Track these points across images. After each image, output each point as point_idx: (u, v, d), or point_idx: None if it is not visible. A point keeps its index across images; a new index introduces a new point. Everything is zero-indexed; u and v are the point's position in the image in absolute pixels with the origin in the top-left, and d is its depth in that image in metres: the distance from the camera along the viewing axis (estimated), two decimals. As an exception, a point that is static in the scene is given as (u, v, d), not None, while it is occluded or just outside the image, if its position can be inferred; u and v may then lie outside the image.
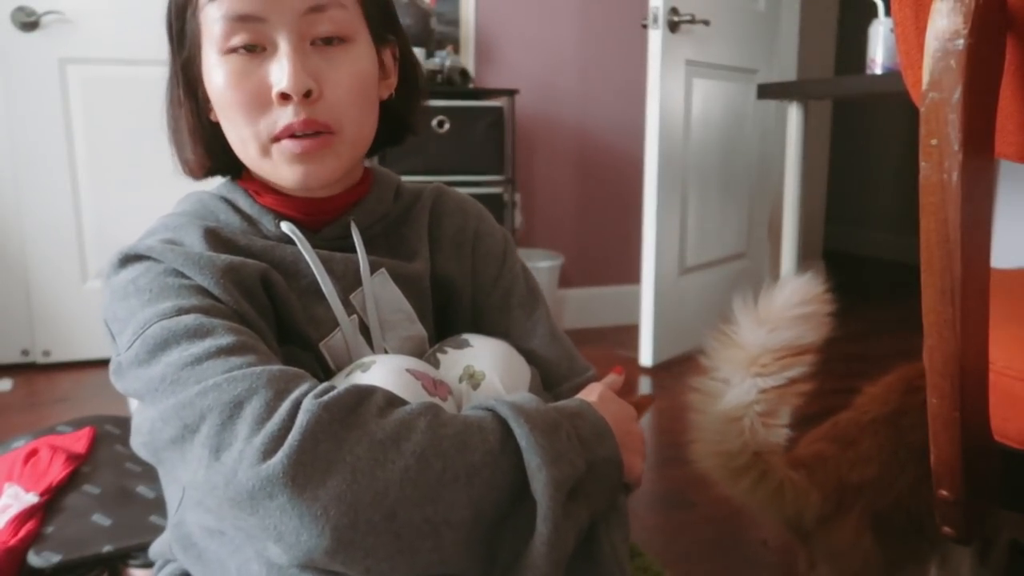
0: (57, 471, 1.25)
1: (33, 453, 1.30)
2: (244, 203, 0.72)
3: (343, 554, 0.51)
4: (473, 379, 0.70)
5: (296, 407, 0.54)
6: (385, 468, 0.52)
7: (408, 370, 0.65)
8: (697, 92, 2.49)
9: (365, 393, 0.56)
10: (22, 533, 1.10)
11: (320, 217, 0.74)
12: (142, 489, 1.26)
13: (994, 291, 0.67)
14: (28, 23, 2.24)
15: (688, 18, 2.30)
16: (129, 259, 0.65)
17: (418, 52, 2.31)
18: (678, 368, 2.44)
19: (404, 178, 0.87)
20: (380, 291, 0.74)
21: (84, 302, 2.39)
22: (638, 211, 2.84)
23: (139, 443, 0.60)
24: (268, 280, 0.67)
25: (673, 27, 2.29)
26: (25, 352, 2.40)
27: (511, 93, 2.43)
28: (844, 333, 3.11)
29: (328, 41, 0.67)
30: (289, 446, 0.51)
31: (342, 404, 0.54)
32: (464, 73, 2.46)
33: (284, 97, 0.65)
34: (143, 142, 2.36)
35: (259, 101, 0.66)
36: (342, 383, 0.61)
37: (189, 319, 0.59)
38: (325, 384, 0.57)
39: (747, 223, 2.89)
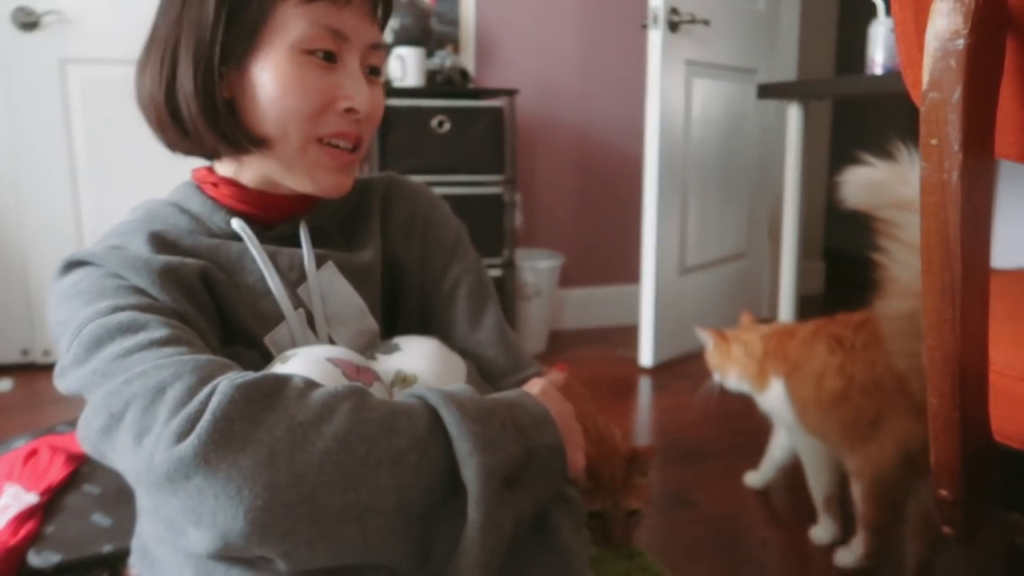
0: (57, 471, 1.25)
1: (33, 453, 1.30)
2: (195, 202, 0.75)
3: (259, 536, 0.50)
4: (406, 383, 0.70)
5: (214, 390, 0.54)
6: (304, 450, 0.51)
7: (329, 359, 0.64)
8: (697, 92, 2.49)
9: (282, 378, 0.56)
10: (22, 533, 1.10)
11: (275, 213, 0.76)
12: (142, 489, 1.26)
13: (994, 291, 0.67)
14: (28, 23, 2.24)
15: (688, 18, 2.30)
16: (72, 265, 0.67)
17: (418, 52, 2.31)
18: (678, 368, 2.44)
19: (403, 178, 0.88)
20: (328, 285, 0.75)
21: (84, 302, 2.39)
22: (638, 211, 2.84)
23: (80, 438, 0.61)
24: (209, 278, 0.68)
25: (673, 27, 2.29)
26: (25, 352, 2.40)
27: (511, 93, 2.43)
28: (844, 333, 3.03)
29: (373, 70, 0.75)
30: (201, 427, 0.51)
31: (260, 387, 0.54)
32: (464, 73, 2.46)
33: (350, 111, 0.71)
34: (143, 142, 2.35)
35: (323, 105, 0.70)
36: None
37: (123, 316, 0.60)
38: (268, 373, 0.57)
39: (747, 223, 2.89)
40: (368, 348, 0.76)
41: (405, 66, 2.30)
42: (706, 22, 2.36)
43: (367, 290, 0.78)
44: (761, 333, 1.43)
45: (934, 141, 0.59)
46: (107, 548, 1.09)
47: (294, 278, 0.74)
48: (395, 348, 0.74)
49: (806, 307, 3.28)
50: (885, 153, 0.97)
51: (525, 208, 2.87)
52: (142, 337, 0.59)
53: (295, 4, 0.68)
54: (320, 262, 0.75)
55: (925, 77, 0.58)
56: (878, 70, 1.90)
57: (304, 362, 0.63)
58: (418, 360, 0.71)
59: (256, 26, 0.69)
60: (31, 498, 1.18)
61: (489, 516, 0.55)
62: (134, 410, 0.54)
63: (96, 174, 2.36)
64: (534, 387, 0.71)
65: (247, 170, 0.75)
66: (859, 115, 4.49)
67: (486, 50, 2.75)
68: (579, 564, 0.64)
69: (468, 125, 2.31)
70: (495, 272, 2.41)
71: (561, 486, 0.66)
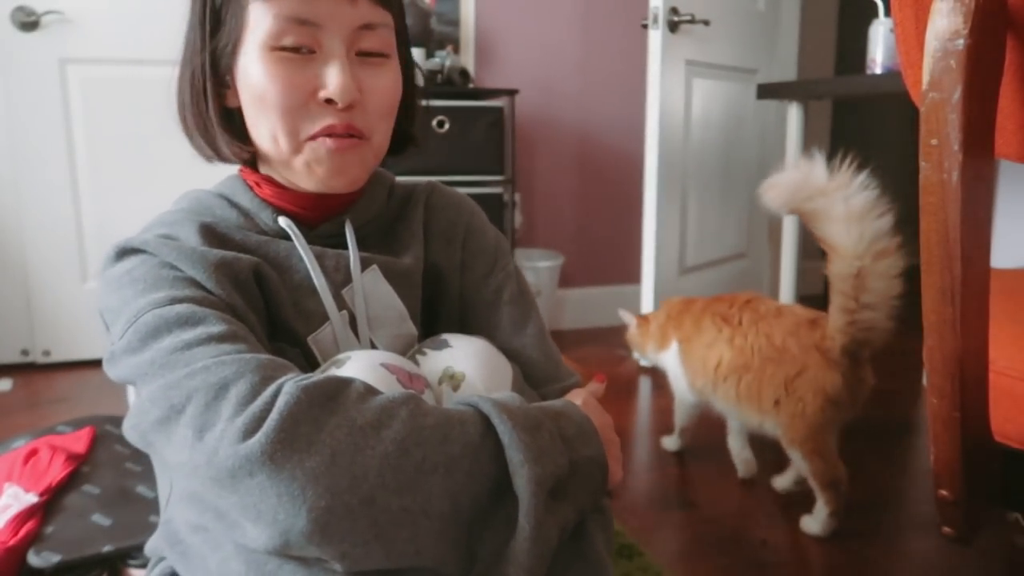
0: (57, 471, 1.25)
1: (33, 453, 1.30)
2: (243, 197, 0.74)
3: (319, 536, 0.51)
4: (453, 380, 0.70)
5: (279, 390, 0.54)
6: (364, 453, 0.52)
7: (383, 364, 0.65)
8: (697, 92, 2.48)
9: (344, 382, 0.57)
10: (22, 533, 1.10)
11: (318, 213, 0.75)
12: (142, 489, 1.26)
13: (994, 291, 0.67)
14: (28, 23, 2.24)
15: (688, 18, 2.30)
16: (125, 252, 0.67)
17: (418, 52, 2.31)
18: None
19: (404, 178, 0.87)
20: (371, 288, 0.75)
21: (84, 302, 2.39)
22: (638, 211, 2.84)
23: (129, 426, 0.61)
24: (260, 274, 0.68)
25: (673, 27, 2.29)
26: (25, 352, 2.40)
27: (511, 93, 2.43)
28: (844, 333, 3.01)
29: (370, 54, 0.70)
30: (268, 425, 0.52)
31: (322, 389, 0.54)
32: (464, 73, 2.46)
33: (330, 102, 0.68)
34: (143, 142, 2.36)
35: (302, 100, 0.68)
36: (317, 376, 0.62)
37: (182, 308, 0.60)
38: (331, 375, 0.58)
39: (747, 223, 2.89)
40: (407, 351, 0.75)
41: (405, 66, 2.30)
42: (706, 22, 2.36)
43: (408, 295, 0.78)
44: (668, 303, 1.66)
45: (934, 141, 0.59)
46: (107, 548, 1.09)
47: (339, 280, 0.74)
48: (444, 345, 0.73)
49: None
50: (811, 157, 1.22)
51: (525, 208, 2.87)
52: (200, 331, 0.59)
53: (261, 1, 0.67)
54: (365, 265, 0.75)
55: (925, 77, 0.58)
56: (878, 70, 1.90)
57: (360, 367, 0.64)
58: (467, 358, 0.71)
59: (236, 33, 0.69)
60: (31, 498, 1.18)
61: (538, 525, 0.56)
62: (196, 404, 0.55)
63: (96, 174, 2.36)
64: (576, 397, 0.71)
65: (274, 172, 0.75)
66: (859, 115, 4.49)
67: (486, 50, 2.75)
68: (609, 574, 0.65)
69: (468, 125, 2.31)
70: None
71: (600, 498, 0.66)
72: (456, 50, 2.66)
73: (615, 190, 2.98)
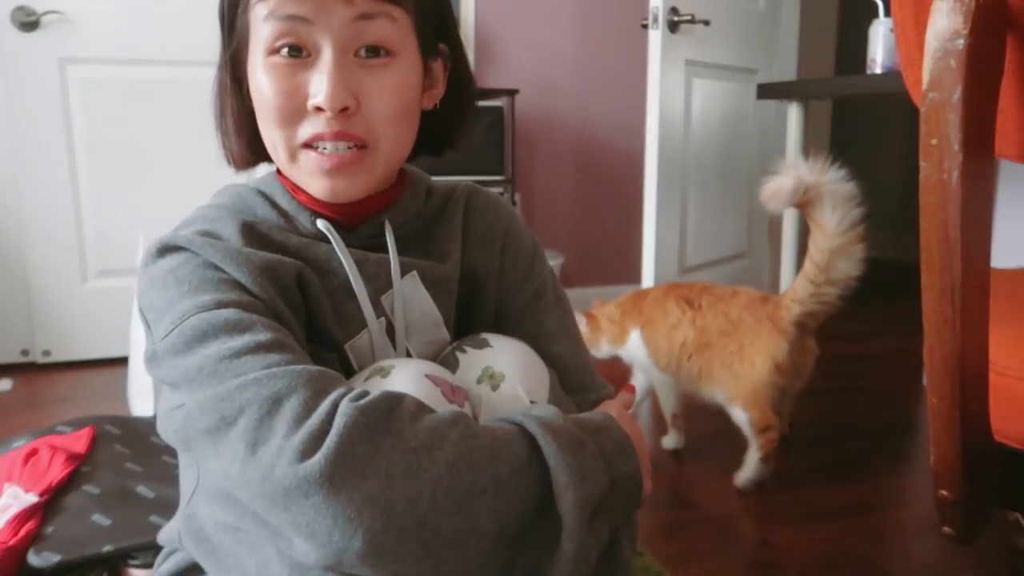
0: (57, 471, 1.25)
1: (33, 453, 1.30)
2: (282, 198, 0.72)
3: (373, 557, 0.52)
4: (493, 380, 0.69)
5: (334, 408, 0.54)
6: (419, 476, 0.53)
7: (428, 375, 0.65)
8: (697, 92, 2.48)
9: (396, 399, 0.57)
10: (22, 533, 1.10)
11: (355, 215, 0.73)
12: (142, 489, 1.26)
13: (994, 291, 0.67)
14: (28, 23, 2.24)
15: (688, 18, 2.30)
16: (168, 249, 0.65)
17: (418, 52, 2.31)
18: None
19: (441, 178, 0.85)
20: (410, 293, 0.74)
21: (84, 302, 2.39)
22: (638, 211, 2.84)
23: (169, 429, 0.61)
24: (303, 279, 0.67)
25: (673, 27, 2.29)
26: (25, 352, 2.40)
27: (511, 93, 2.43)
28: (844, 333, 3.14)
29: (373, 52, 0.66)
30: (327, 447, 0.52)
31: (377, 410, 0.55)
32: (464, 73, 2.46)
33: (319, 110, 0.65)
34: (143, 142, 2.36)
35: (294, 107, 0.65)
36: (360, 385, 0.62)
37: (228, 313, 0.60)
38: (359, 389, 0.57)
39: (747, 223, 2.89)
40: (437, 357, 0.75)
41: (405, 66, 2.30)
42: (706, 22, 2.36)
43: (444, 301, 0.76)
44: (617, 302, 1.78)
45: (934, 141, 0.59)
46: (107, 548, 1.09)
47: (380, 285, 0.72)
48: (485, 343, 0.73)
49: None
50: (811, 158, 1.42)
51: (525, 208, 2.87)
52: (248, 339, 0.58)
53: (257, 2, 0.65)
54: (404, 270, 0.74)
55: (925, 77, 0.58)
56: (878, 70, 1.90)
57: (405, 378, 0.63)
58: (507, 359, 0.71)
59: (244, 37, 0.68)
60: (31, 498, 1.18)
61: (581, 547, 0.57)
62: (248, 418, 0.54)
63: (96, 174, 2.36)
64: (610, 409, 0.70)
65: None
66: (859, 115, 4.49)
67: (486, 50, 2.75)
68: None
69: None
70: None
71: (634, 512, 0.66)
72: (456, 50, 2.66)
73: (615, 190, 2.98)
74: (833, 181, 1.40)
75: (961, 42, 0.56)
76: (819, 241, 1.43)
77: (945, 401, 0.65)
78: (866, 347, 2.65)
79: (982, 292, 0.64)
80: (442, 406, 0.62)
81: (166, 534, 0.77)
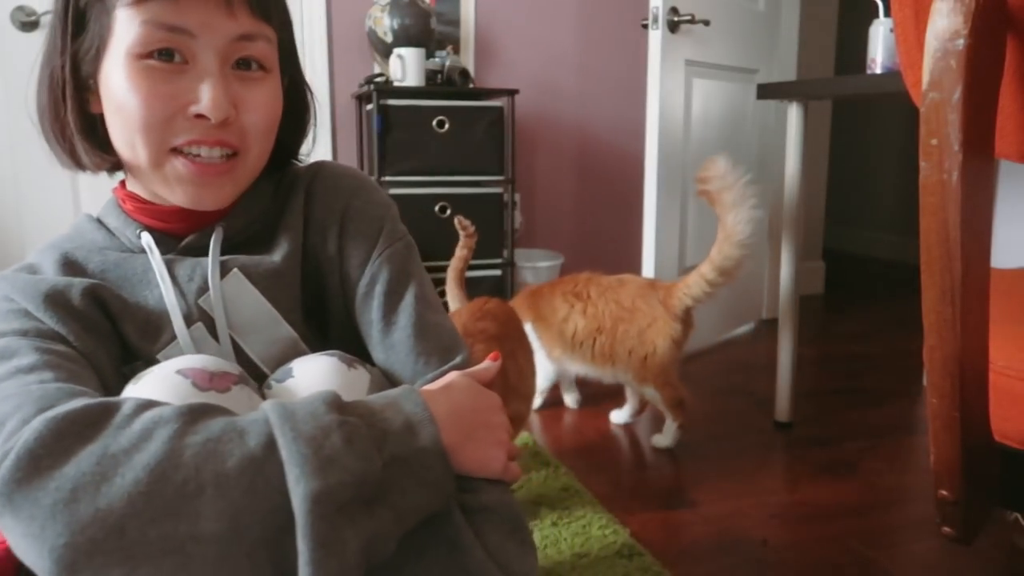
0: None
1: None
2: (112, 216, 0.75)
3: (68, 573, 0.49)
4: None
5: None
6: (111, 483, 0.50)
7: (179, 370, 0.62)
8: (697, 92, 2.49)
9: (111, 405, 0.54)
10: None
11: (184, 226, 0.74)
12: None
13: (994, 291, 0.67)
14: (28, 23, 2.24)
15: (688, 18, 2.30)
16: None
17: (418, 52, 2.31)
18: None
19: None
20: (235, 293, 0.72)
21: (84, 302, 2.39)
22: (638, 211, 2.85)
23: None
24: (98, 297, 0.68)
25: (673, 27, 2.29)
26: (25, 352, 2.40)
27: (511, 93, 2.43)
28: (844, 333, 3.14)
29: (246, 65, 0.68)
30: (5, 465, 0.50)
31: (82, 418, 0.52)
32: (464, 73, 2.46)
33: (200, 117, 0.66)
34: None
35: (168, 113, 0.66)
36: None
37: (0, 342, 0.62)
38: (85, 401, 0.55)
39: (747, 223, 2.89)
40: (287, 355, 0.72)
41: (405, 66, 2.30)
42: (706, 22, 2.36)
43: (280, 295, 0.74)
44: (516, 297, 1.96)
45: (934, 141, 0.59)
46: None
47: (195, 288, 0.71)
48: (288, 375, 0.69)
49: (806, 307, 3.28)
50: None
51: (525, 208, 2.87)
52: (10, 365, 0.59)
53: (127, 6, 0.64)
54: (226, 269, 0.72)
55: (925, 77, 0.58)
56: (878, 70, 1.90)
57: (154, 378, 0.61)
58: (311, 384, 0.67)
59: (101, 38, 0.67)
60: None
61: (320, 546, 0.52)
62: None
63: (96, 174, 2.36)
64: (442, 381, 0.68)
65: (139, 184, 0.73)
66: (859, 115, 4.49)
67: (486, 50, 2.75)
68: None
69: (468, 125, 2.31)
70: (495, 272, 2.41)
71: (447, 489, 0.61)
72: (456, 50, 2.66)
73: (615, 190, 2.98)
74: (734, 184, 1.62)
75: (961, 42, 0.56)
76: (721, 244, 1.63)
77: (945, 401, 0.65)
78: (866, 347, 2.65)
79: (982, 292, 0.64)
80: (192, 398, 0.59)
81: None
